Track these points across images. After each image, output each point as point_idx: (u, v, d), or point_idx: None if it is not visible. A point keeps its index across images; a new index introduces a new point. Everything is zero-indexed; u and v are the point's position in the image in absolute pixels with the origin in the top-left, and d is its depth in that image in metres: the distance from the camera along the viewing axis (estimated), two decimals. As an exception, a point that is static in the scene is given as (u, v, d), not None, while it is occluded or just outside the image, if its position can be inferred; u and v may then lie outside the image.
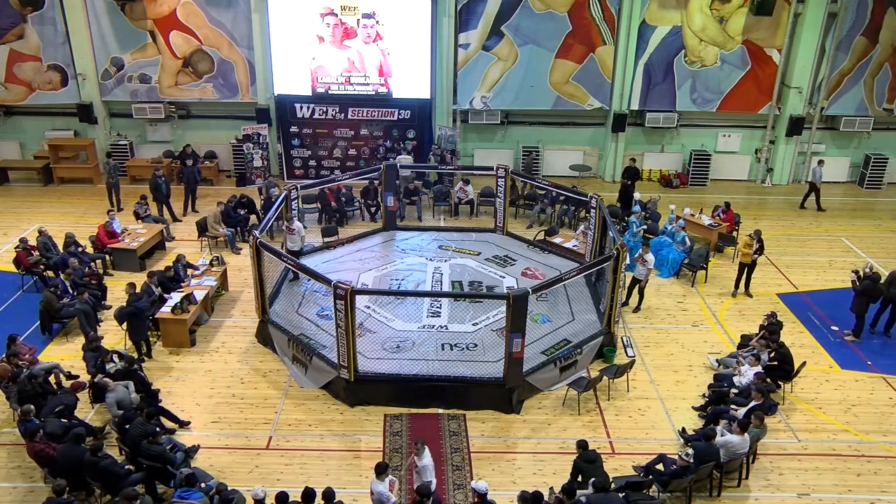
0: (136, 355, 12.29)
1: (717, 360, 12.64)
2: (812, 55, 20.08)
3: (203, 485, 9.19)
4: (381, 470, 8.94)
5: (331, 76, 19.80)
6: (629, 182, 19.03)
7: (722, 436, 9.92)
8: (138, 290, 12.97)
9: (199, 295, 13.55)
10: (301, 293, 14.06)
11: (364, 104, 20.16)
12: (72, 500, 8.81)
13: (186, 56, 19.95)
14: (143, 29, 19.64)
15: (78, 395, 11.14)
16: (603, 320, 13.05)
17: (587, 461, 9.43)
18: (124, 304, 12.71)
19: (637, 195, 17.68)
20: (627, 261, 13.60)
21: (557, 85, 20.42)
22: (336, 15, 19.25)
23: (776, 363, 11.87)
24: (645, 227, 16.65)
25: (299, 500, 8.76)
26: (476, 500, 8.90)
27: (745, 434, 9.83)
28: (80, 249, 15.15)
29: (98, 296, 13.94)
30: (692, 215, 17.23)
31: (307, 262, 14.30)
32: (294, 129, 20.37)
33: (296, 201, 15.26)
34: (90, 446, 9.53)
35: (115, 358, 11.49)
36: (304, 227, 15.57)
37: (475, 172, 19.30)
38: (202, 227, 16.60)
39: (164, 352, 12.90)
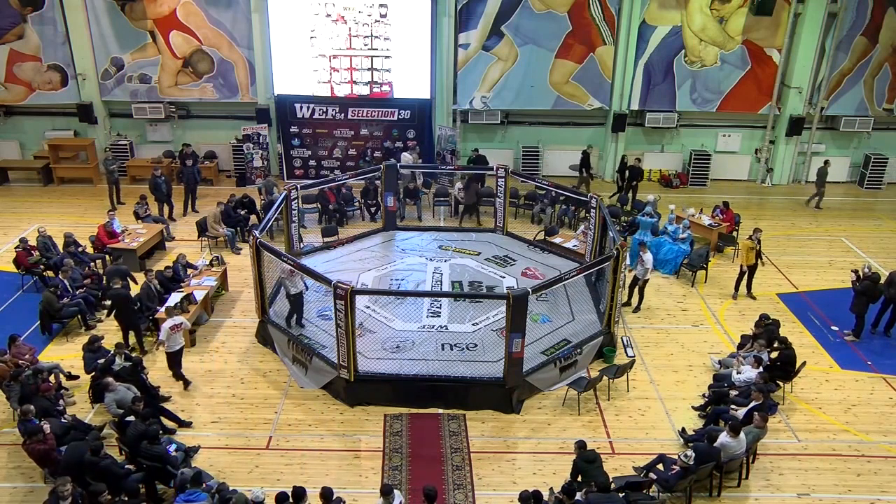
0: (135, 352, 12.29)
1: (718, 361, 12.63)
2: (812, 55, 20.08)
3: (203, 485, 9.19)
4: (385, 492, 8.76)
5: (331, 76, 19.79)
6: (633, 183, 19.05)
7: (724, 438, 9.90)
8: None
9: (199, 295, 13.56)
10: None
11: (364, 104, 20.17)
12: None
13: (186, 56, 19.95)
14: (143, 29, 19.64)
15: (48, 396, 10.94)
16: (603, 320, 13.05)
17: (587, 461, 9.44)
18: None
19: (651, 197, 17.48)
20: (628, 260, 13.58)
21: (557, 85, 20.41)
22: (336, 15, 19.25)
23: (779, 363, 11.84)
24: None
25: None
26: None
27: (741, 436, 9.82)
28: (80, 249, 15.16)
29: (98, 296, 13.94)
30: (693, 215, 17.20)
31: (307, 262, 14.29)
32: (294, 129, 20.35)
33: (296, 201, 15.25)
34: (90, 446, 9.52)
35: (118, 357, 11.48)
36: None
37: (475, 172, 19.26)
38: (202, 227, 16.60)
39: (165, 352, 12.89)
